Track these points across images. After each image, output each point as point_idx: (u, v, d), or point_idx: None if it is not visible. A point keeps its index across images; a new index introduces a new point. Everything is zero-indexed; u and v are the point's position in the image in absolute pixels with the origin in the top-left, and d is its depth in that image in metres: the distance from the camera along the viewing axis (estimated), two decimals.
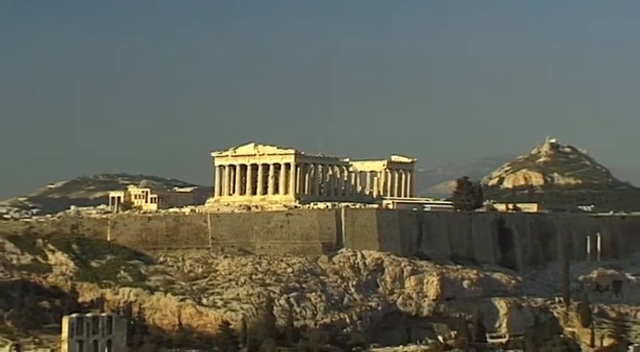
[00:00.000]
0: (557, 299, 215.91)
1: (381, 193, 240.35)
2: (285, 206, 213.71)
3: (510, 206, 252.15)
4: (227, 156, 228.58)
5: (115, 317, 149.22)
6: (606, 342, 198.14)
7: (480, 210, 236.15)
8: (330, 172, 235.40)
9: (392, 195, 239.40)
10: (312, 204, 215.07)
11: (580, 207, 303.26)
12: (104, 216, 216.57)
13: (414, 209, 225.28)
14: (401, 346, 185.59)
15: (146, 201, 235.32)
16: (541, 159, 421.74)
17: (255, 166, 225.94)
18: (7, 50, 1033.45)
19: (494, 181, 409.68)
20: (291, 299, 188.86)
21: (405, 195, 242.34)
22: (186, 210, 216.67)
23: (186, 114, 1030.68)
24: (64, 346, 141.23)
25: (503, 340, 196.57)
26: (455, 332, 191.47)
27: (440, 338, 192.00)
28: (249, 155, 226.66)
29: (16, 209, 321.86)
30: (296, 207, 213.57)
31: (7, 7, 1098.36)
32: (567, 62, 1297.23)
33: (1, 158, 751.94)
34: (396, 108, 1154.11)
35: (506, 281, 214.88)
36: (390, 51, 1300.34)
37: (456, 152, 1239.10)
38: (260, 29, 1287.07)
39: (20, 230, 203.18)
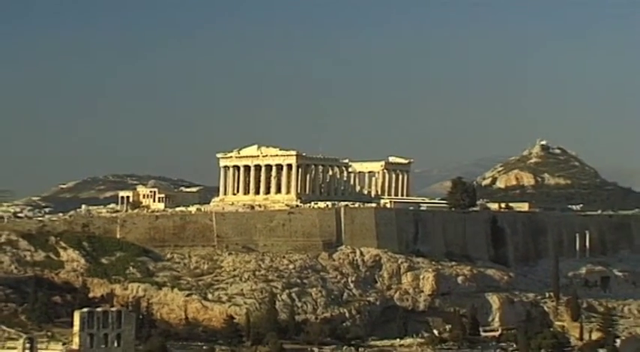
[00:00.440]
0: (547, 295, 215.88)
1: (379, 193, 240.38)
2: (287, 205, 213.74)
3: (503, 205, 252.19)
4: (231, 157, 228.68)
5: (124, 311, 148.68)
6: (594, 336, 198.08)
7: (474, 209, 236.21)
8: (330, 173, 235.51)
9: (389, 194, 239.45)
10: (312, 203, 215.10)
11: (569, 206, 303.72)
12: (114, 214, 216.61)
13: (411, 208, 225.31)
14: (398, 339, 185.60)
15: (154, 201, 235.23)
16: (532, 160, 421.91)
17: (258, 167, 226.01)
18: (22, 53, 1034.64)
19: (487, 181, 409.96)
20: (293, 295, 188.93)
21: (402, 195, 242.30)
22: (193, 209, 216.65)
23: (193, 117, 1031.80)
24: (76, 339, 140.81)
25: (496, 333, 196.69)
26: (450, 326, 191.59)
27: (435, 331, 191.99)
28: (252, 156, 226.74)
29: (29, 208, 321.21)
30: (297, 206, 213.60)
31: (22, 9, 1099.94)
32: (558, 66, 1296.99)
33: (15, 160, 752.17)
34: (393, 111, 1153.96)
35: (499, 277, 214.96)
36: (387, 55, 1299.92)
37: (451, 153, 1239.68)
38: (263, 36, 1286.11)
39: (34, 228, 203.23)
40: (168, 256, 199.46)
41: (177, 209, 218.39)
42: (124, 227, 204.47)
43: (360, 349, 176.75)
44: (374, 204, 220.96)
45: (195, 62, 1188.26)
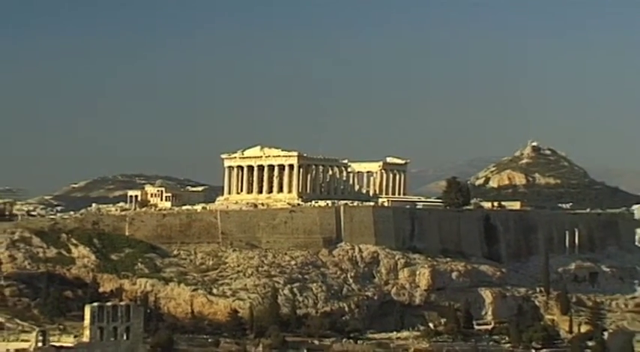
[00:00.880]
0: (538, 289, 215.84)
1: (377, 192, 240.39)
2: (288, 204, 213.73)
3: (495, 204, 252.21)
4: (235, 157, 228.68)
5: (132, 305, 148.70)
6: (583, 329, 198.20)
7: (468, 207, 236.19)
8: (330, 173, 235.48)
9: (387, 193, 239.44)
10: (313, 202, 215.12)
11: (559, 204, 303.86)
12: (123, 212, 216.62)
13: (407, 206, 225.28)
14: (395, 332, 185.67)
15: (161, 199, 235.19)
16: (523, 161, 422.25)
17: (261, 167, 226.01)
18: (34, 56, 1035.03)
19: (480, 181, 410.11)
20: (295, 289, 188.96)
21: (399, 194, 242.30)
22: (198, 207, 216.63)
23: (198, 120, 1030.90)
24: (86, 332, 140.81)
25: (489, 326, 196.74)
26: (444, 320, 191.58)
27: (431, 324, 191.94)
28: (255, 157, 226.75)
29: (42, 206, 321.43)
30: (299, 204, 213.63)
31: (31, 12, 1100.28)
32: (549, 69, 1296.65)
33: (28, 160, 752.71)
34: (391, 113, 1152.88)
35: (492, 272, 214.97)
36: (385, 58, 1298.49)
37: (446, 154, 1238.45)
38: (264, 38, 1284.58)
39: (46, 226, 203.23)
40: (175, 252, 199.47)
41: (184, 207, 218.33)
42: (133, 225, 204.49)
43: (358, 342, 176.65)
44: (372, 203, 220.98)
45: (199, 65, 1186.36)
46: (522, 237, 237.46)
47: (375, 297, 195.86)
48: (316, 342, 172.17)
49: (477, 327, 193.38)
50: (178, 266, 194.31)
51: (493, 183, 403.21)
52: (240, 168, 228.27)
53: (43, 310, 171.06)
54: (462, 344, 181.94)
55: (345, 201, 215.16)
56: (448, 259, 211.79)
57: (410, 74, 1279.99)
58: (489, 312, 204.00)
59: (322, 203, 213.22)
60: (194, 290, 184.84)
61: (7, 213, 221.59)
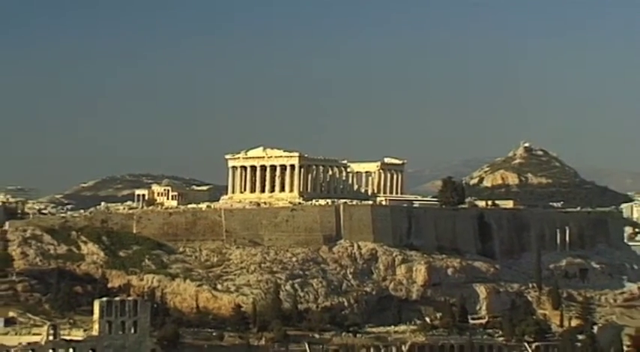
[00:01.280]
0: (530, 285, 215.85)
1: (375, 191, 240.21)
2: (290, 202, 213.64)
3: (489, 202, 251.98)
4: (239, 158, 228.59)
5: (140, 300, 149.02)
6: (574, 323, 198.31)
7: (463, 206, 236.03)
8: (330, 173, 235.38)
9: (385, 192, 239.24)
10: (314, 200, 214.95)
11: (551, 203, 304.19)
12: (130, 211, 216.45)
13: (405, 205, 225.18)
14: (393, 326, 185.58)
15: (167, 198, 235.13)
16: (516, 161, 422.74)
17: (263, 167, 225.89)
18: (43, 59, 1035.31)
19: (475, 181, 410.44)
20: (296, 285, 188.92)
21: (397, 193, 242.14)
22: (203, 206, 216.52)
23: (203, 122, 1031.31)
24: (96, 326, 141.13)
25: (483, 321, 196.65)
26: (440, 314, 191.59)
27: (427, 319, 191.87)
28: (258, 157, 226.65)
29: (53, 205, 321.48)
30: (300, 203, 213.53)
31: (41, 15, 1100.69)
32: (542, 72, 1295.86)
33: (40, 160, 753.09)
34: (388, 116, 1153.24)
35: (486, 269, 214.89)
36: (384, 61, 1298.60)
37: (442, 155, 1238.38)
38: (266, 41, 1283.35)
39: (57, 224, 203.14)
40: (181, 249, 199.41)
41: (189, 206, 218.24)
42: (140, 222, 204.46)
43: (357, 335, 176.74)
44: (370, 202, 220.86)
45: (203, 69, 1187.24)
46: (515, 235, 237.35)
47: (374, 292, 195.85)
48: (317, 336, 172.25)
49: (471, 321, 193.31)
50: (184, 263, 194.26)
51: (487, 183, 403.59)
52: (244, 168, 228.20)
53: (53, 305, 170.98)
54: (457, 337, 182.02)
55: (344, 200, 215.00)
56: (444, 256, 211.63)
57: (408, 77, 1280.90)
58: (483, 307, 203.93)
59: (322, 202, 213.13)
60: (199, 285, 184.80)
61: (19, 211, 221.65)
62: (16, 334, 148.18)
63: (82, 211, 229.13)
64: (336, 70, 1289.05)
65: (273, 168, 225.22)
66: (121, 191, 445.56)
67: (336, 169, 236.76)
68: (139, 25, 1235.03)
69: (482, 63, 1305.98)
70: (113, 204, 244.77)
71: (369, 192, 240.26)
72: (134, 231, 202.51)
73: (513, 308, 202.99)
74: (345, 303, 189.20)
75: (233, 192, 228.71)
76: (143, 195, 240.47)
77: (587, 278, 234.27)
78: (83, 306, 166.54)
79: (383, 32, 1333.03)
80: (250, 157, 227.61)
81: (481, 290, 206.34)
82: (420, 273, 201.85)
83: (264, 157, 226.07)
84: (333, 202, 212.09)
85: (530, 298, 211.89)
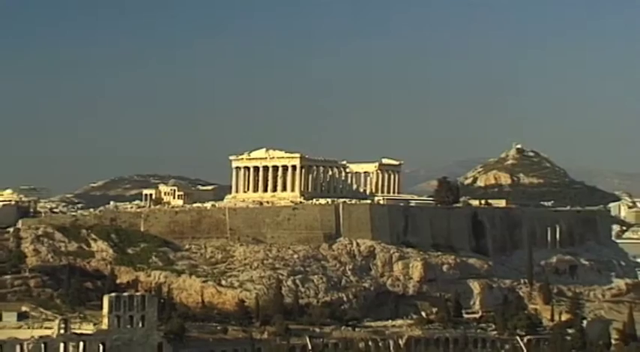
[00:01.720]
0: (522, 281, 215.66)
1: (373, 191, 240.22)
2: (291, 201, 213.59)
3: (483, 202, 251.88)
4: (243, 159, 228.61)
5: (147, 296, 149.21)
6: (564, 317, 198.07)
7: (457, 205, 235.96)
8: (330, 173, 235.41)
9: (382, 192, 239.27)
10: (314, 200, 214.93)
11: (542, 202, 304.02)
12: (138, 210, 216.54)
13: (401, 204, 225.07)
14: (390, 320, 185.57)
15: (174, 198, 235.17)
16: (509, 162, 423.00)
17: (266, 168, 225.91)
18: (54, 62, 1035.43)
19: (469, 181, 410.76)
20: (297, 281, 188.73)
21: (394, 193, 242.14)
22: (208, 205, 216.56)
23: (208, 124, 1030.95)
24: (105, 320, 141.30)
25: (477, 315, 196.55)
26: (436, 309, 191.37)
27: (423, 313, 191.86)
28: (261, 158, 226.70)
29: (64, 204, 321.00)
30: (301, 202, 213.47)
31: (50, 19, 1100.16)
32: (533, 76, 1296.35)
33: (51, 160, 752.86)
34: (386, 118, 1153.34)
35: (480, 265, 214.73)
36: (382, 66, 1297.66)
37: (437, 156, 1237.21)
38: (268, 46, 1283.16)
39: (67, 222, 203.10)
40: (187, 247, 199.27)
41: (195, 205, 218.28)
42: (148, 221, 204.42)
43: (356, 329, 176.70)
44: (369, 201, 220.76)
45: (208, 74, 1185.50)
46: (507, 233, 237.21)
47: (372, 288, 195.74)
48: (317, 330, 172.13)
49: (465, 316, 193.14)
50: (190, 260, 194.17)
51: (480, 183, 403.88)
52: (247, 168, 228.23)
53: (64, 300, 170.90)
54: (452, 331, 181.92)
55: (343, 200, 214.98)
56: (439, 253, 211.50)
57: (405, 81, 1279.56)
58: (477, 302, 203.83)
59: (323, 201, 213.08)
60: (204, 281, 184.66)
61: (31, 210, 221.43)
62: (28, 328, 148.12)
63: (91, 210, 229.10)
64: (335, 74, 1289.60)
65: (275, 168, 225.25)
66: (129, 191, 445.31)
67: (335, 170, 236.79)
68: (143, 28, 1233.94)
69: (476, 68, 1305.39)
70: (122, 203, 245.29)
71: (368, 192, 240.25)
72: (142, 229, 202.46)
73: (506, 303, 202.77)
74: (345, 298, 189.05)
75: (237, 191, 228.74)
76: (150, 195, 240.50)
77: (577, 275, 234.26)
78: (93, 301, 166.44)
79: (381, 36, 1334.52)
80: (253, 158, 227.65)
81: (475, 285, 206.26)
82: (417, 270, 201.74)
83: (266, 158, 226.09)
84: (332, 201, 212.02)
85: (521, 293, 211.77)
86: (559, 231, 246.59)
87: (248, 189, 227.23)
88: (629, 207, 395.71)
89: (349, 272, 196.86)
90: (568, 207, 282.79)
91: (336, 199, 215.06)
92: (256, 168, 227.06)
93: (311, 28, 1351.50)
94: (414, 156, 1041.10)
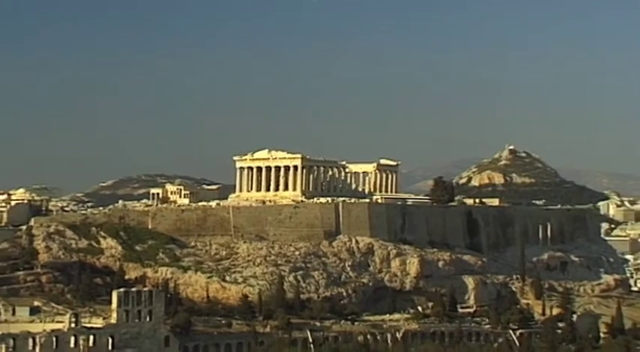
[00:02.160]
0: (515, 277, 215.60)
1: (372, 190, 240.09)
2: (293, 200, 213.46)
3: (477, 200, 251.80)
4: (246, 159, 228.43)
5: (155, 291, 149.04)
6: (555, 311, 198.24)
7: (452, 203, 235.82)
8: (330, 173, 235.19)
9: (380, 191, 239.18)
10: (315, 199, 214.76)
11: (534, 201, 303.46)
12: (146, 208, 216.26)
13: (399, 203, 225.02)
14: (388, 315, 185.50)
15: (180, 197, 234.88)
16: (502, 162, 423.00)
17: (268, 168, 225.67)
18: (66, 66, 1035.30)
19: (463, 180, 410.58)
20: (298, 277, 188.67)
21: (391, 192, 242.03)
22: (213, 203, 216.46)
23: (213, 126, 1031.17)
24: (114, 314, 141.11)
25: (471, 310, 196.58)
26: (432, 304, 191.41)
27: (419, 308, 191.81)
28: (264, 159, 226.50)
29: (74, 203, 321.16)
30: (302, 201, 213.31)
31: (67, 20, 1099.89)
32: (525, 80, 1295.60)
33: (62, 160, 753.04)
34: (384, 120, 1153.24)
35: (474, 261, 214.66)
36: (381, 70, 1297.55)
37: (433, 156, 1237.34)
38: (270, 54, 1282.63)
39: (78, 220, 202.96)
40: (192, 244, 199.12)
41: (200, 203, 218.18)
42: (155, 219, 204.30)
43: (355, 323, 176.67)
44: (367, 200, 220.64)
45: (213, 78, 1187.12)
46: (501, 230, 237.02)
47: (370, 283, 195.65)
48: (318, 324, 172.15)
49: (460, 310, 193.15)
50: (195, 256, 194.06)
51: (475, 182, 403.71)
52: (250, 168, 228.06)
53: (75, 295, 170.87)
54: (447, 325, 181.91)
55: (343, 198, 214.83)
56: (435, 250, 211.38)
57: (403, 84, 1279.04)
58: (471, 297, 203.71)
59: (323, 200, 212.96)
60: (209, 277, 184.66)
61: (43, 208, 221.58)
62: (40, 322, 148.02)
63: (101, 208, 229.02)
64: (335, 77, 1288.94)
65: (278, 168, 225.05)
66: (137, 190, 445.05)
67: (335, 170, 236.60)
68: (151, 30, 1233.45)
69: (471, 73, 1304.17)
70: (130, 202, 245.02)
71: (366, 191, 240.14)
72: (149, 227, 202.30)
73: (499, 298, 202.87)
74: (344, 293, 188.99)
75: (240, 190, 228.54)
76: (158, 194, 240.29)
77: (567, 271, 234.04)
78: (102, 296, 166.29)
79: (380, 39, 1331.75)
80: (256, 159, 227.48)
81: (469, 281, 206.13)
82: (413, 266, 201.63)
83: (269, 159, 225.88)
84: (332, 200, 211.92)
85: (514, 289, 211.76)
86: (550, 229, 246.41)
87: (251, 189, 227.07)
88: (618, 206, 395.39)
89: (348, 269, 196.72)
90: (559, 206, 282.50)
91: (335, 198, 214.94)
92: (259, 169, 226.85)
93: (311, 31, 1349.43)
94: (411, 157, 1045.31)
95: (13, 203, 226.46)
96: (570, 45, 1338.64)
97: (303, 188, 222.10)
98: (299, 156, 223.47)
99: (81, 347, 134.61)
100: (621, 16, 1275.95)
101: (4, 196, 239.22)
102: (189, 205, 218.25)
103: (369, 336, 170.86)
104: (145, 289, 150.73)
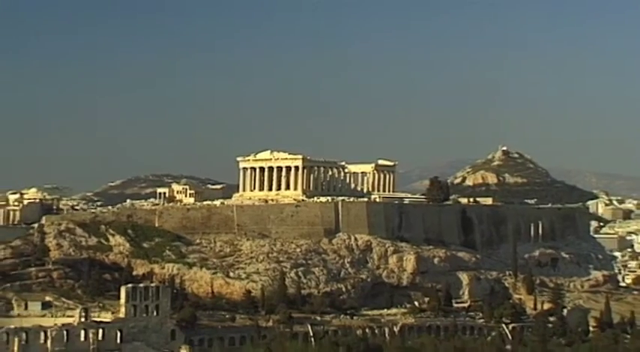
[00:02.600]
0: (507, 273, 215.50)
1: (370, 189, 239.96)
2: (294, 199, 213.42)
3: (471, 200, 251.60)
4: (249, 160, 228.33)
5: (161, 286, 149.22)
6: (546, 306, 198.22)
7: (448, 202, 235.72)
8: (330, 173, 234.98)
9: (378, 191, 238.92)
10: (315, 198, 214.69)
11: (525, 200, 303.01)
12: (153, 207, 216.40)
13: (396, 202, 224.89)
14: (385, 309, 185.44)
15: (186, 196, 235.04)
16: (495, 163, 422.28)
17: (271, 168, 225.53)
18: (73, 73, 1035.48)
19: (458, 180, 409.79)
20: (300, 273, 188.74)
21: (389, 191, 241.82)
22: (217, 202, 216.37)
23: (218, 128, 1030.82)
24: (122, 309, 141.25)
25: (466, 304, 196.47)
26: (428, 299, 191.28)
27: (416, 303, 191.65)
28: (266, 159, 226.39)
29: (84, 202, 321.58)
30: (303, 200, 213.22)
31: (79, 23, 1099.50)
32: (519, 82, 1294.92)
33: (73, 161, 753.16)
34: (382, 122, 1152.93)
35: (468, 258, 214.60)
36: (380, 73, 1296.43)
37: (429, 157, 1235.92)
38: (272, 59, 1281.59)
39: (87, 218, 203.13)
40: (198, 241, 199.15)
41: (205, 202, 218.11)
42: (162, 217, 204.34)
43: (354, 317, 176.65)
44: (366, 199, 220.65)
45: (218, 82, 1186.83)
46: (494, 228, 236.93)
47: (369, 279, 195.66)
48: (318, 318, 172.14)
49: (455, 305, 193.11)
50: (200, 253, 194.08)
51: (469, 182, 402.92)
52: (253, 169, 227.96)
53: (85, 290, 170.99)
54: (442, 319, 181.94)
55: (342, 198, 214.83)
56: (431, 247, 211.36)
57: (401, 87, 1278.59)
58: (466, 292, 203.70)
59: (323, 199, 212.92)
60: (214, 273, 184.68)
61: (54, 207, 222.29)
62: (52, 316, 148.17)
63: (110, 207, 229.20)
64: (335, 80, 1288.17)
65: (279, 169, 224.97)
66: (145, 189, 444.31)
67: (335, 170, 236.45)
68: (158, 33, 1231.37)
69: (466, 77, 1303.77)
70: (138, 201, 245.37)
71: (365, 191, 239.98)
72: (156, 225, 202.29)
73: (492, 293, 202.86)
74: (343, 289, 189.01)
75: (244, 190, 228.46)
76: (164, 193, 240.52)
77: (558, 267, 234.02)
78: (111, 292, 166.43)
79: (379, 43, 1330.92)
80: (259, 159, 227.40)
81: (464, 277, 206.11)
82: (410, 262, 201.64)
83: (271, 159, 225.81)
84: (332, 199, 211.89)
85: (507, 284, 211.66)
86: (541, 227, 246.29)
87: (254, 188, 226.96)
88: (606, 205, 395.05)
89: (348, 265, 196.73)
90: (550, 205, 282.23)
91: (335, 197, 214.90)
92: (262, 169, 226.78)
93: (311, 34, 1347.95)
94: (408, 158, 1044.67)
95: (25, 202, 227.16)
96: (563, 48, 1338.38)
97: (304, 187, 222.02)
98: (300, 156, 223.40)
99: (90, 340, 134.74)
100: (613, 20, 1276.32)
101: (17, 195, 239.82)
102: (194, 204, 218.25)
103: (367, 330, 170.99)
104: (152, 285, 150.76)
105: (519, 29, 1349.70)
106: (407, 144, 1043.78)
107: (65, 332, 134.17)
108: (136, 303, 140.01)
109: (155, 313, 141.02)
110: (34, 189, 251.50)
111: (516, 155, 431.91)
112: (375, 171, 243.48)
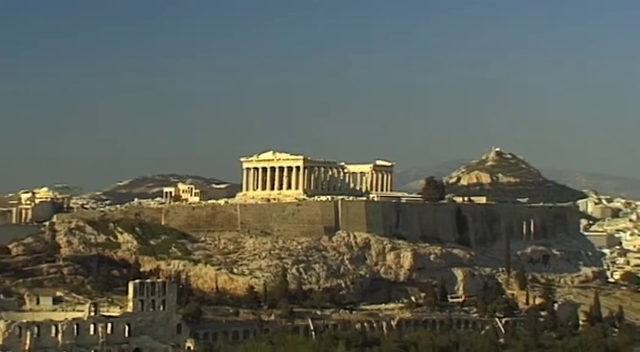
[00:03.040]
0: (501, 269, 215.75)
1: (369, 189, 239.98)
2: (295, 198, 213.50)
3: (466, 199, 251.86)
4: (252, 160, 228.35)
5: (168, 282, 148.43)
6: (537, 301, 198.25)
7: (443, 201, 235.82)
8: (330, 173, 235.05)
9: (376, 190, 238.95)
10: (316, 197, 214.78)
11: (518, 199, 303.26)
12: (160, 206, 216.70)
13: (393, 201, 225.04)
14: (383, 304, 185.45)
15: (191, 195, 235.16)
16: (489, 163, 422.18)
17: (273, 168, 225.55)
18: (79, 76, 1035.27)
19: (453, 180, 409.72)
20: (301, 269, 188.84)
21: (387, 190, 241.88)
22: (221, 201, 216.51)
23: (222, 130, 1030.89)
24: (130, 304, 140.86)
25: (461, 300, 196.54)
26: (424, 294, 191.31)
27: (413, 298, 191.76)
28: (268, 160, 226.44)
29: (93, 201, 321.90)
30: (304, 199, 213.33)
31: (83, 25, 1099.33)
32: (513, 85, 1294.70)
33: (83, 161, 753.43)
34: (379, 124, 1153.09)
35: (463, 255, 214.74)
36: (379, 75, 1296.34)
37: (425, 157, 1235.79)
38: (274, 61, 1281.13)
39: (97, 216, 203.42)
40: (202, 239, 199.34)
41: (210, 201, 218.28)
42: (168, 215, 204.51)
43: (353, 312, 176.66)
44: (364, 198, 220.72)
45: (220, 84, 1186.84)
46: (488, 226, 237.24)
47: (367, 275, 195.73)
48: (318, 312, 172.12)
49: (450, 300, 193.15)
50: (205, 250, 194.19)
51: (464, 182, 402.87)
52: (256, 169, 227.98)
53: (94, 286, 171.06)
54: (438, 314, 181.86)
55: (342, 197, 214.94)
56: (427, 244, 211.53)
57: (399, 90, 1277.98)
58: (461, 288, 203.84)
59: (323, 198, 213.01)
60: (218, 269, 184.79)
61: (65, 206, 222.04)
62: (62, 311, 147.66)
63: (118, 206, 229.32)
64: (335, 83, 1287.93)
65: (281, 169, 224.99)
66: (152, 189, 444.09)
67: (334, 170, 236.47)
68: (160, 33, 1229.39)
69: (461, 80, 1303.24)
70: (145, 200, 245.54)
71: (363, 190, 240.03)
72: (163, 223, 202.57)
73: (486, 289, 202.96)
74: (343, 285, 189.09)
75: (247, 189, 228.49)
76: (170, 192, 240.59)
77: (549, 263, 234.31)
78: (119, 287, 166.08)
79: (379, 47, 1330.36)
80: (262, 160, 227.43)
81: (459, 273, 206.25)
82: (407, 259, 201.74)
83: (273, 160, 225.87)
84: (332, 198, 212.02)
85: (500, 280, 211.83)
86: (533, 225, 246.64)
87: (257, 188, 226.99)
88: (595, 204, 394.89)
89: (347, 262, 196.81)
90: (541, 204, 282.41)
91: (335, 196, 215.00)
92: (264, 169, 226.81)
93: (312, 37, 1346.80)
94: (405, 158, 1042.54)
95: (37, 201, 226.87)
96: (561, 49, 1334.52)
97: (305, 187, 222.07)
98: (301, 157, 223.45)
99: (100, 334, 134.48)
100: (605, 22, 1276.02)
101: (29, 194, 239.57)
102: (199, 203, 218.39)
103: (366, 324, 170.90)
104: (159, 280, 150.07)
105: (520, 30, 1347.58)
106: (404, 145, 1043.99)
107: (75, 326, 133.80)
108: (143, 298, 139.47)
109: (162, 308, 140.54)
110: (45, 189, 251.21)
111: (509, 156, 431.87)
112: (373, 171, 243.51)
